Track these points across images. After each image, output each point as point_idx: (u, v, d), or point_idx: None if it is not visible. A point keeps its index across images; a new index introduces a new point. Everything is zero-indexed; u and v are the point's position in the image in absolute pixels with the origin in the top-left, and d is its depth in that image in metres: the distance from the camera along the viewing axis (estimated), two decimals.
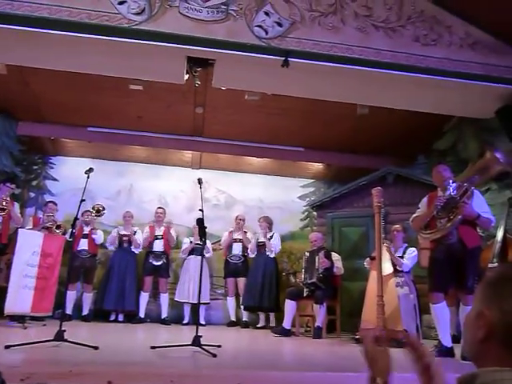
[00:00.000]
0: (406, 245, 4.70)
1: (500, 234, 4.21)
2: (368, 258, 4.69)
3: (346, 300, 5.37)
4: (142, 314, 5.81)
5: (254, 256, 6.11)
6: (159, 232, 6.12)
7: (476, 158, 3.84)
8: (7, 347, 2.60)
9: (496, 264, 4.03)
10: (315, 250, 5.10)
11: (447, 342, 3.30)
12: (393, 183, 5.73)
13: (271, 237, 6.07)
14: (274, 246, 6.00)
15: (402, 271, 4.51)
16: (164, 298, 5.97)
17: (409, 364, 1.02)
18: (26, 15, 3.33)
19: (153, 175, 7.01)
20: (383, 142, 6.03)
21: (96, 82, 4.84)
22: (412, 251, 4.57)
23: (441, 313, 3.35)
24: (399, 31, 4.10)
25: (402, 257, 4.59)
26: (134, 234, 6.02)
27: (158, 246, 6.05)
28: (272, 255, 6.02)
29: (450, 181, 3.44)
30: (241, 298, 5.99)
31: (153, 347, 2.84)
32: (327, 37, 3.89)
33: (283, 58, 3.74)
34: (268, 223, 6.16)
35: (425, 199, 3.66)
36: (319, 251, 5.02)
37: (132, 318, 5.78)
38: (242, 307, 5.96)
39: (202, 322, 5.76)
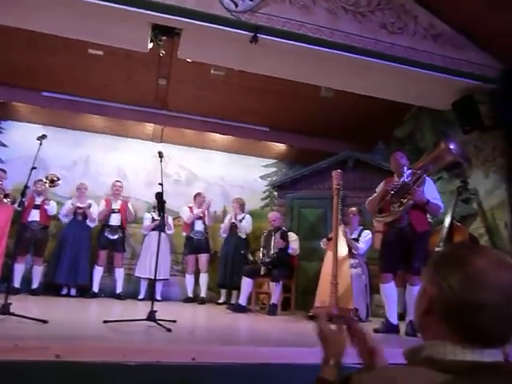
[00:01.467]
0: (362, 227, 4.84)
1: (447, 220, 4.44)
2: (325, 239, 4.80)
3: (301, 279, 5.49)
4: (95, 289, 5.67)
5: (225, 236, 6.10)
6: (116, 206, 5.93)
7: (432, 147, 4.01)
8: None
9: (442, 248, 4.26)
10: (273, 230, 5.15)
11: (394, 319, 3.47)
12: (352, 167, 5.86)
13: (243, 218, 6.06)
14: (245, 228, 6.01)
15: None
16: (119, 273, 5.84)
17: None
18: None
19: (112, 147, 6.71)
20: (346, 127, 6.12)
21: (53, 43, 4.52)
22: (367, 234, 4.72)
23: (389, 292, 3.51)
24: (368, 16, 4.11)
25: (357, 239, 4.73)
26: (90, 207, 5.80)
27: (115, 219, 5.87)
28: (243, 236, 6.05)
29: (405, 168, 3.57)
30: (201, 275, 5.97)
31: (105, 321, 2.78)
32: (297, 16, 3.84)
33: (252, 34, 3.66)
34: (240, 204, 6.15)
35: (382, 184, 3.77)
36: (276, 231, 5.07)
37: (85, 292, 5.62)
38: (200, 284, 5.97)
39: (159, 297, 5.71)
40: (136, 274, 5.89)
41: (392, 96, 4.80)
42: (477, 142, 4.71)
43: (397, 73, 4.19)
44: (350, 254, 4.56)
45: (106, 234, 5.79)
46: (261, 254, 5.08)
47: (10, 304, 2.74)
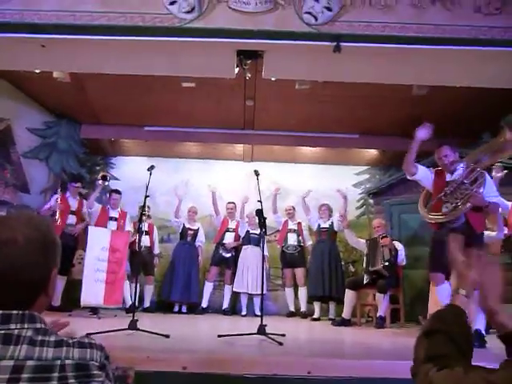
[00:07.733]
0: None
1: None
2: None
3: (408, 289, 5.21)
4: (204, 304, 5.96)
5: (310, 243, 6.08)
6: (231, 225, 6.27)
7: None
8: (88, 335, 2.80)
9: None
10: (377, 237, 4.98)
11: None
12: None
13: (331, 223, 5.98)
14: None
15: None
16: (228, 290, 6.10)
17: None
18: (86, 24, 3.54)
19: (207, 170, 7.18)
20: (442, 122, 5.72)
21: (149, 82, 5.05)
22: None
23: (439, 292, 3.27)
24: (457, 2, 3.86)
25: None
26: (198, 230, 6.23)
27: (229, 238, 6.20)
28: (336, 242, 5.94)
29: (457, 163, 3.30)
30: (299, 289, 6.00)
31: (220, 336, 2.94)
32: (379, 17, 3.75)
33: (334, 44, 3.67)
34: (330, 210, 6.08)
35: (428, 172, 3.58)
36: (382, 238, 4.88)
37: (195, 308, 5.98)
38: (300, 299, 5.98)
39: (258, 312, 5.82)
40: (234, 289, 6.07)
41: (493, 83, 4.39)
42: None
43: (497, 57, 3.84)
44: None
45: (220, 252, 6.13)
46: (364, 263, 4.92)
47: (137, 320, 3.07)
